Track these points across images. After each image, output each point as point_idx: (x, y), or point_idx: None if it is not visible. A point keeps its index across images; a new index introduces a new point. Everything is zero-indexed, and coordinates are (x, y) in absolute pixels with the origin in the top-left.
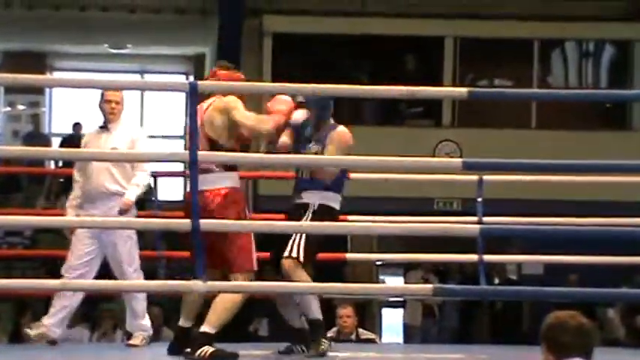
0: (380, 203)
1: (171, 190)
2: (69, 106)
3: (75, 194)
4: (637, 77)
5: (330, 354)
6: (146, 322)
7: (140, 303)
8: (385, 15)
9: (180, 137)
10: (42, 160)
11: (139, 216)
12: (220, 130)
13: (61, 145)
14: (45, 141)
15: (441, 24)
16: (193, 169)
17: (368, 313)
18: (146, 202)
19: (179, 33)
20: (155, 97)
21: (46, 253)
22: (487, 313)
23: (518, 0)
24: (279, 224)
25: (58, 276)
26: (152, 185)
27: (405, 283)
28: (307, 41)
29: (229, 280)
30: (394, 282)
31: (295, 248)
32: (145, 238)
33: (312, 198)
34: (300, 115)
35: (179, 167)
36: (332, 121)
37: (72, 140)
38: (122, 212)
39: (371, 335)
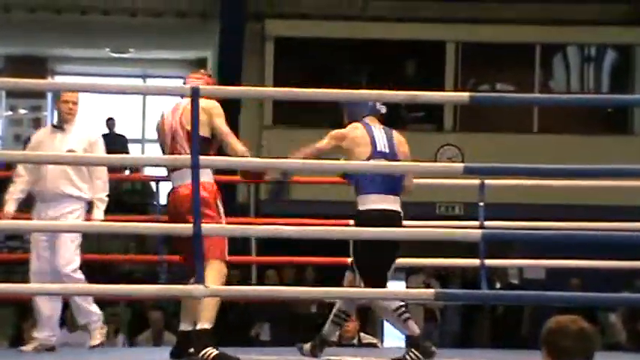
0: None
1: None
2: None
3: (16, 188)
4: (638, 81)
5: (333, 358)
6: (94, 309)
7: (84, 302)
8: (387, 19)
9: None
10: None
11: (141, 220)
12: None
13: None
14: None
15: (442, 28)
16: (195, 173)
17: (369, 318)
18: (148, 206)
19: (181, 37)
20: (157, 101)
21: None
22: (488, 318)
23: (519, 5)
24: (285, 229)
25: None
26: (154, 190)
27: (407, 287)
28: (309, 45)
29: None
30: (396, 286)
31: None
32: (147, 243)
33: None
34: None
35: None
36: (367, 120)
37: None
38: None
39: (372, 339)
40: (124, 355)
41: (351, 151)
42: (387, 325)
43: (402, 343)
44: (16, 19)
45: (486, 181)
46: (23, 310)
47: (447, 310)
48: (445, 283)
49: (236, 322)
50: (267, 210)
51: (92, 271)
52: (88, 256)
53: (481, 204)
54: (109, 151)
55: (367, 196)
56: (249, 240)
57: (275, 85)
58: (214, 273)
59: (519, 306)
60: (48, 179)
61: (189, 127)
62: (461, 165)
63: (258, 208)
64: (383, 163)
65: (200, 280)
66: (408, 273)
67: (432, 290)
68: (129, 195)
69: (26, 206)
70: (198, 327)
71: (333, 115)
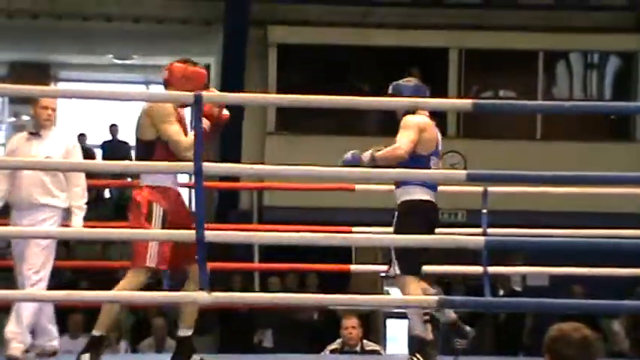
0: (385, 214)
1: None
2: (73, 117)
3: None
4: None
5: None
6: (28, 333)
7: (26, 311)
8: (390, 26)
9: None
10: None
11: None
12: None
13: None
14: None
15: (445, 35)
16: (198, 180)
17: (372, 325)
18: None
19: (184, 43)
20: None
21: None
22: (491, 325)
23: (522, 12)
24: (286, 235)
25: (63, 287)
26: None
27: None
28: (311, 52)
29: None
30: (399, 293)
31: (394, 263)
32: None
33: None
34: None
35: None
36: (421, 111)
37: None
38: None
39: (376, 346)
40: None
41: (427, 141)
42: (389, 333)
43: (405, 350)
44: (19, 25)
45: (489, 188)
46: None
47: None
48: (448, 290)
49: (239, 328)
50: (270, 217)
51: (95, 277)
52: (89, 263)
53: (484, 211)
54: (111, 158)
55: (414, 188)
56: (252, 247)
57: (278, 92)
58: (126, 281)
59: (522, 313)
60: (23, 188)
61: (137, 134)
62: (464, 172)
63: (261, 215)
64: (385, 170)
65: (203, 286)
66: None
67: (435, 297)
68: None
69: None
70: (185, 333)
71: (336, 122)
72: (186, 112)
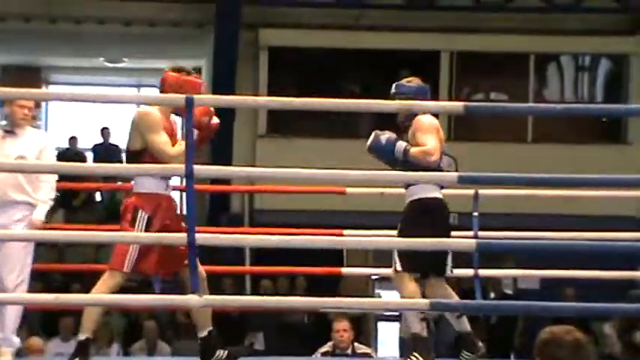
0: (376, 217)
1: None
2: (65, 119)
3: None
4: (632, 91)
5: None
6: (14, 336)
7: (11, 315)
8: (381, 29)
9: None
10: None
11: None
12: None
13: (57, 159)
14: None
15: (436, 38)
16: (189, 183)
17: (364, 327)
18: None
19: (175, 46)
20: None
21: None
22: (482, 328)
23: (513, 14)
24: (276, 238)
25: (54, 290)
26: None
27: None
28: (303, 55)
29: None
30: (390, 296)
31: (394, 260)
32: None
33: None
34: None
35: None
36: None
37: (68, 154)
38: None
39: (367, 349)
40: None
41: (441, 141)
42: (381, 335)
43: (396, 353)
44: (11, 28)
45: (480, 191)
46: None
47: (441, 320)
48: None
49: (230, 331)
50: (261, 220)
51: (86, 280)
52: (83, 266)
53: (475, 214)
54: (102, 161)
55: (427, 185)
56: (243, 250)
57: (269, 95)
58: (101, 283)
59: (513, 316)
60: None
61: (127, 144)
62: (455, 174)
63: (253, 219)
64: (379, 172)
65: (195, 289)
66: None
67: (427, 300)
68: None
69: None
70: (205, 334)
71: (327, 125)
72: (178, 122)
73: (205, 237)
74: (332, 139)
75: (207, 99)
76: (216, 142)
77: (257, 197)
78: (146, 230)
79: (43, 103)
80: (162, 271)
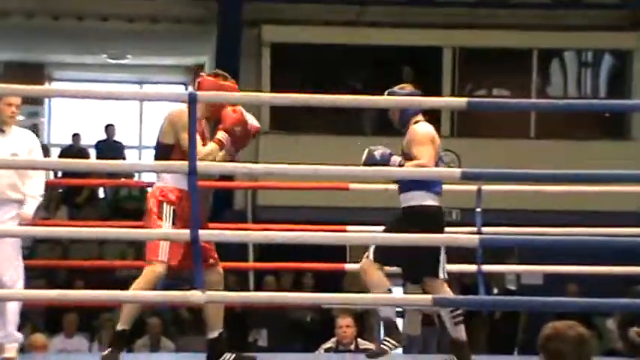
0: (379, 213)
1: None
2: (68, 116)
3: None
4: (636, 87)
5: None
6: (17, 331)
7: (13, 312)
8: (384, 25)
9: None
10: None
11: (138, 226)
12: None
13: (60, 156)
14: (44, 152)
15: (439, 34)
16: (193, 179)
17: (367, 323)
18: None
19: (178, 43)
20: (154, 107)
21: (45, 263)
22: (486, 323)
23: (516, 10)
24: (280, 235)
25: (58, 286)
26: None
27: (405, 293)
28: (305, 51)
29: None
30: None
31: (370, 249)
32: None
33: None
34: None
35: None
36: (419, 117)
37: (71, 151)
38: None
39: (370, 345)
40: None
41: (436, 150)
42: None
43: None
44: (14, 25)
45: (484, 187)
46: (21, 317)
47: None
48: None
49: (234, 328)
50: (264, 216)
51: (90, 276)
52: (86, 263)
53: (478, 210)
54: (106, 158)
55: (420, 193)
56: (247, 246)
57: (272, 91)
58: (141, 277)
59: (516, 312)
60: None
61: (159, 135)
62: (458, 170)
63: (255, 215)
64: (382, 168)
65: (199, 285)
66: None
67: (429, 296)
68: (126, 201)
69: None
70: (214, 335)
71: (330, 121)
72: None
73: (209, 233)
74: (335, 136)
75: (209, 95)
76: None
77: (260, 194)
78: (172, 224)
79: (46, 100)
80: (187, 266)
